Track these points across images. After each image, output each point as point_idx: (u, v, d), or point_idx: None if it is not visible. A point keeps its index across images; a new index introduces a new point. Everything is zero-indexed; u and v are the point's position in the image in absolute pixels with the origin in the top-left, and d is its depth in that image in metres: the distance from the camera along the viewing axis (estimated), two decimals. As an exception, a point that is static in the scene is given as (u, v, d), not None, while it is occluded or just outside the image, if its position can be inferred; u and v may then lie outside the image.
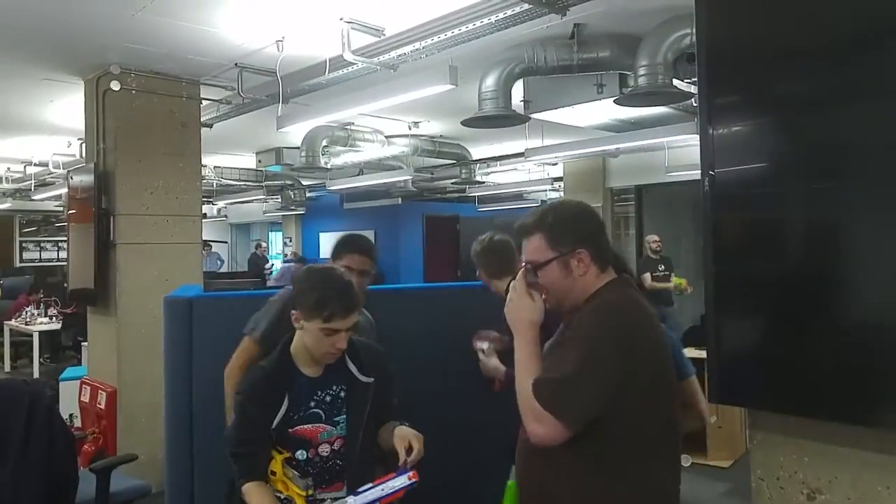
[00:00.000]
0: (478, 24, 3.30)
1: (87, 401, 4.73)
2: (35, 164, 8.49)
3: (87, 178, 4.81)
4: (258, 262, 13.37)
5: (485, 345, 2.51)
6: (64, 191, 8.21)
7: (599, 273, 1.63)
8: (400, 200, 11.37)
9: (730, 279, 1.70)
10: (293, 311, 1.88)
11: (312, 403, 1.90)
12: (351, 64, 3.91)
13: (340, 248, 2.42)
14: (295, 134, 6.42)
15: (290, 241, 14.54)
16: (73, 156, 7.41)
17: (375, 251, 2.50)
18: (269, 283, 11.50)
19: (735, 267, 1.69)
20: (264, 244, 14.33)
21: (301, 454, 1.87)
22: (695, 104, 4.69)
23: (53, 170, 7.95)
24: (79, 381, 4.96)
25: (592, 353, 1.50)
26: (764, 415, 1.72)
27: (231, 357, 2.30)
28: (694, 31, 3.40)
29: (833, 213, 1.56)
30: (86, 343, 5.87)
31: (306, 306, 1.83)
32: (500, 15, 3.20)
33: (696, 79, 4.05)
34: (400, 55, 3.76)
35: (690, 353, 5.67)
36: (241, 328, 2.35)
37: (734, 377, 1.69)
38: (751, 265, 1.68)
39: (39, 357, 8.38)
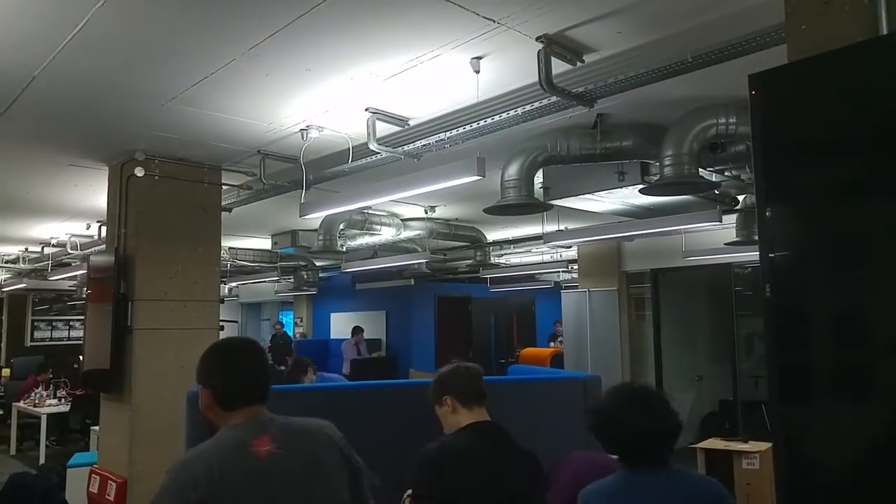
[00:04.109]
0: (504, 115, 3.34)
1: (95, 491, 4.57)
2: (53, 245, 8.55)
3: (106, 261, 4.80)
4: (284, 345, 12.47)
5: None
6: (80, 272, 8.24)
7: None
8: (413, 281, 11.33)
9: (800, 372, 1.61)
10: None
11: None
12: (375, 153, 3.94)
13: None
14: (312, 217, 6.47)
15: (301, 321, 14.45)
16: (92, 237, 7.48)
17: None
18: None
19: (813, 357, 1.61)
20: (280, 324, 13.87)
21: None
22: (717, 192, 4.70)
23: (71, 251, 8.00)
24: (88, 469, 4.81)
25: None
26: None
27: None
28: (719, 122, 3.45)
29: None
30: (95, 427, 5.72)
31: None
32: (528, 107, 3.24)
33: (720, 167, 4.09)
34: (425, 145, 3.80)
35: (714, 444, 5.48)
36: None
37: (806, 495, 1.57)
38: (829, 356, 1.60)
39: (46, 440, 8.17)
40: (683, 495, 1.87)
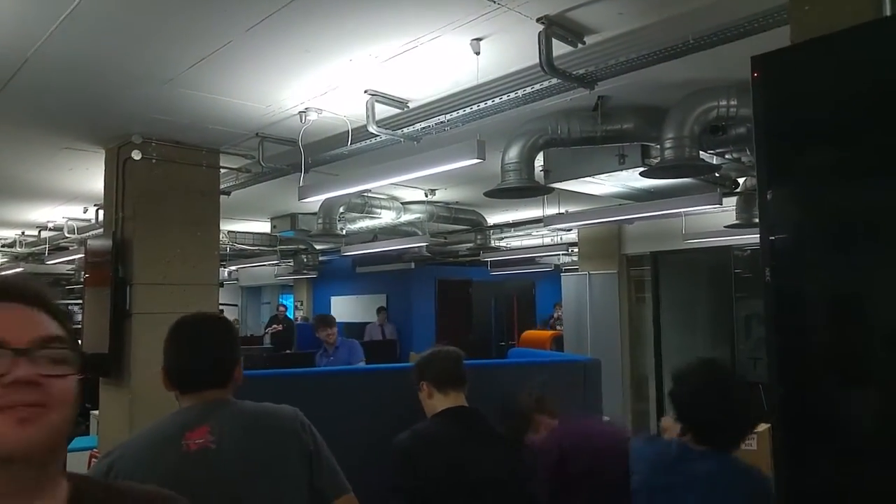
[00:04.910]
0: (504, 98, 3.31)
1: (94, 475, 4.58)
2: (50, 229, 8.53)
3: (104, 245, 4.79)
4: (288, 331, 11.69)
5: None
6: (78, 256, 8.23)
7: None
8: (413, 265, 11.33)
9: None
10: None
11: None
12: (374, 135, 3.91)
13: None
14: (311, 200, 6.44)
15: (301, 304, 14.46)
16: (89, 220, 7.45)
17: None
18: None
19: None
20: (283, 307, 13.29)
21: None
22: (718, 175, 4.68)
23: (68, 234, 7.97)
24: (88, 454, 4.81)
25: None
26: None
27: None
28: (720, 104, 3.42)
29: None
30: (94, 411, 5.74)
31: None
32: (528, 89, 3.21)
33: (721, 150, 4.06)
34: (424, 128, 3.77)
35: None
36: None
37: (805, 479, 1.57)
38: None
39: (44, 424, 8.18)
40: (733, 484, 1.87)
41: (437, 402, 2.25)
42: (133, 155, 4.52)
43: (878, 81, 1.55)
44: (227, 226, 8.57)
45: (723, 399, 1.89)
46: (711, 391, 1.91)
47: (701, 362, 2.03)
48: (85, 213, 7.41)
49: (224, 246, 8.80)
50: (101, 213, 6.06)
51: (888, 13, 1.59)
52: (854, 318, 1.60)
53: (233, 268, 12.14)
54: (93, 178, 5.59)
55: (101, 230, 5.50)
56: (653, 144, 4.06)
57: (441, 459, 2.08)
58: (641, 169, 4.19)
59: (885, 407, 1.51)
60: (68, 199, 6.92)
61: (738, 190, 5.54)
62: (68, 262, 9.58)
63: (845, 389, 1.59)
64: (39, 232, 8.95)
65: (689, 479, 1.87)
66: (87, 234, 7.25)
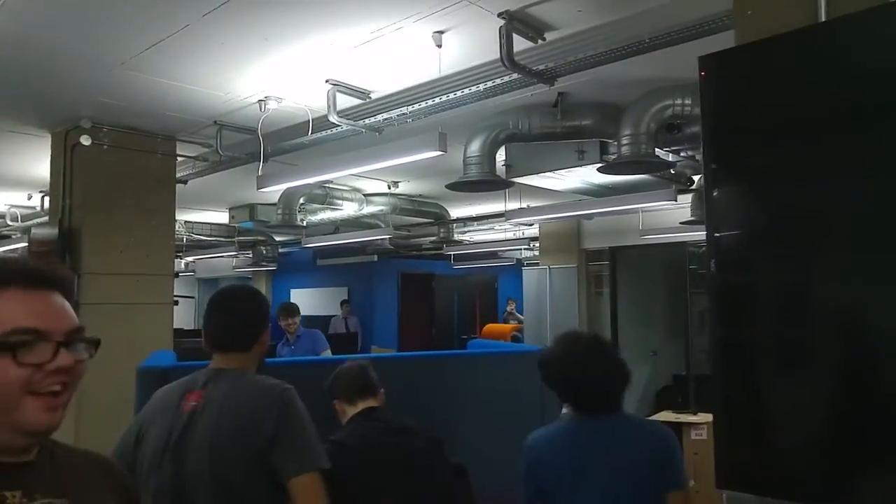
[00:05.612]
0: (466, 91, 3.32)
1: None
2: (-9, 217, 8.19)
3: (49, 233, 4.62)
4: None
5: None
6: (21, 245, 7.92)
7: None
8: (376, 257, 11.26)
9: (740, 348, 1.68)
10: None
11: None
12: (335, 126, 3.88)
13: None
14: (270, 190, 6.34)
15: (260, 296, 14.23)
16: (33, 208, 7.19)
17: None
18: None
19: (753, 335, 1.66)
20: None
21: None
22: (673, 172, 4.77)
23: (10, 222, 7.67)
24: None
25: None
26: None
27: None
28: (675, 103, 3.49)
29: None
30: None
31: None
32: (489, 83, 3.23)
33: (676, 147, 4.14)
34: (386, 119, 3.75)
35: (666, 416, 5.64)
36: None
37: (742, 460, 1.63)
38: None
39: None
40: (632, 439, 1.89)
41: (349, 413, 2.31)
42: (82, 140, 4.38)
43: (816, 83, 1.62)
44: (183, 215, 8.38)
45: (586, 366, 1.92)
46: (569, 359, 1.95)
47: (557, 340, 2.04)
48: (29, 199, 7.12)
49: (180, 236, 8.60)
50: (46, 200, 5.86)
51: (823, 18, 1.66)
52: (795, 310, 1.66)
53: (189, 259, 11.88)
54: (38, 163, 5.40)
55: (47, 218, 5.32)
56: (611, 141, 4.12)
57: (358, 460, 2.12)
58: (599, 164, 4.25)
59: (823, 394, 1.57)
60: (11, 185, 6.64)
61: (693, 187, 5.66)
62: (10, 251, 9.22)
63: (786, 378, 1.65)
64: (-20, 220, 8.60)
65: (594, 445, 1.89)
66: (31, 221, 6.98)
